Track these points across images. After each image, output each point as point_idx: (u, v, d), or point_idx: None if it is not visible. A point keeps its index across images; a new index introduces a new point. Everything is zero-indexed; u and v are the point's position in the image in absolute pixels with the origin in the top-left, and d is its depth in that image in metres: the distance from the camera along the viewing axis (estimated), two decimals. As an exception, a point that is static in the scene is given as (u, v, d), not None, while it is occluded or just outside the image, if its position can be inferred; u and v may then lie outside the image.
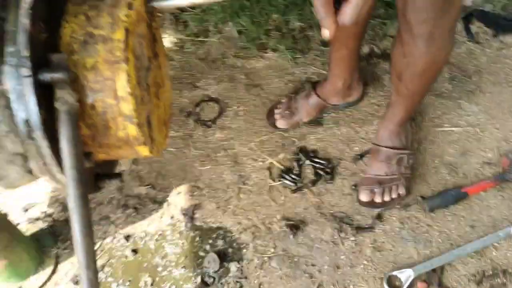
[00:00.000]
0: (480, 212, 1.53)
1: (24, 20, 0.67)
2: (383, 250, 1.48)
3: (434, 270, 1.41)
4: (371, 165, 1.61)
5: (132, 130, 0.77)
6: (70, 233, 1.52)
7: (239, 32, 2.08)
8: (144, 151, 0.82)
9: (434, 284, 1.39)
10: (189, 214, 1.60)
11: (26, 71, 0.67)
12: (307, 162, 1.68)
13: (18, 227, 1.52)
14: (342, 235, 1.52)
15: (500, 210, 1.53)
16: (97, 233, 1.58)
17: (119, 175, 0.89)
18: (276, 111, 1.79)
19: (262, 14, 2.11)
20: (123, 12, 0.75)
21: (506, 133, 1.69)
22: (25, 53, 0.67)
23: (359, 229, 1.52)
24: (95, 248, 1.52)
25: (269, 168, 1.69)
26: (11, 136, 0.76)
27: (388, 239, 1.50)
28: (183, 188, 1.67)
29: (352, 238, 1.51)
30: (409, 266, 1.42)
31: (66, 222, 1.61)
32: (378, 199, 1.54)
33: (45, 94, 0.71)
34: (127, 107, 0.74)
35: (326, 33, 0.77)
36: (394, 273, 1.40)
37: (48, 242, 1.58)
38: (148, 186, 1.67)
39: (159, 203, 1.63)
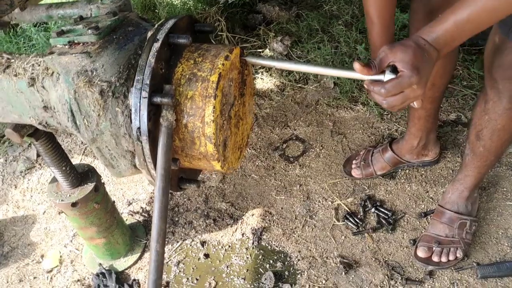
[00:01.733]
0: (534, 290, 1.55)
1: (151, 59, 0.97)
2: (426, 304, 1.56)
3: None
4: (433, 224, 1.70)
5: (210, 148, 1.02)
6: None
7: (335, 83, 2.30)
8: (217, 165, 1.06)
9: None
10: (258, 234, 1.81)
11: (145, 94, 0.96)
12: (373, 210, 1.81)
13: (121, 215, 1.85)
14: (392, 282, 1.62)
15: (557, 293, 1.53)
16: (181, 234, 1.85)
17: (197, 182, 1.15)
18: (353, 161, 1.96)
19: (359, 71, 2.30)
20: (220, 61, 1.01)
21: None
22: (147, 81, 0.96)
23: (409, 280, 1.61)
24: (177, 246, 1.81)
25: (336, 209, 1.85)
26: (126, 137, 1.06)
27: (434, 296, 1.58)
28: (257, 211, 1.89)
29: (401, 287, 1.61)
30: (449, 325, 1.48)
31: (157, 220, 1.92)
32: (435, 258, 1.63)
33: (153, 111, 0.99)
34: (210, 130, 1.00)
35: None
36: (431, 327, 1.47)
37: (141, 233, 1.89)
38: (228, 203, 1.93)
39: (235, 219, 1.87)
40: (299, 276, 1.68)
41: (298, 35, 2.58)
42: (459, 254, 1.63)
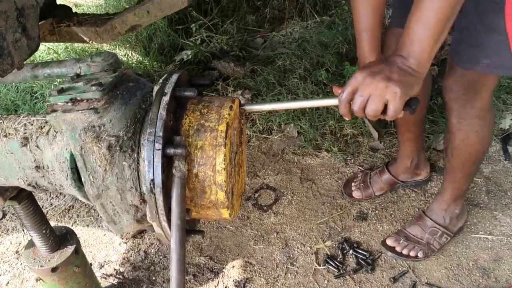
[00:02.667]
0: (510, 316, 1.64)
1: (162, 112, 0.99)
2: None
3: None
4: (410, 223, 1.88)
5: (221, 196, 1.03)
6: (138, 289, 1.76)
7: (299, 133, 2.40)
8: (225, 213, 1.08)
9: None
10: (241, 286, 1.79)
11: (158, 146, 0.97)
12: (351, 251, 1.86)
13: (96, 278, 1.77)
14: (378, 321, 1.65)
15: (530, 316, 1.63)
16: (160, 293, 1.80)
17: (201, 232, 1.14)
18: (353, 183, 2.09)
19: (320, 120, 2.43)
20: (226, 111, 1.05)
21: (538, 245, 1.83)
22: (160, 133, 0.97)
23: (394, 318, 1.66)
24: (157, 305, 1.74)
25: (315, 253, 1.88)
26: (132, 191, 1.06)
27: (421, 331, 1.62)
28: (237, 262, 1.88)
29: (387, 326, 1.64)
30: None
31: (134, 281, 1.85)
32: (397, 248, 1.83)
33: (166, 163, 1.00)
34: (221, 178, 1.02)
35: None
36: None
37: (117, 296, 1.81)
38: (207, 257, 1.90)
39: (215, 273, 1.85)
40: (287, 324, 1.67)
41: (256, 88, 2.69)
42: (420, 254, 1.80)
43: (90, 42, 2.24)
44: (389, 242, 1.85)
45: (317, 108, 2.47)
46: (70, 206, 2.19)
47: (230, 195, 1.07)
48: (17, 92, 2.83)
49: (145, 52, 3.14)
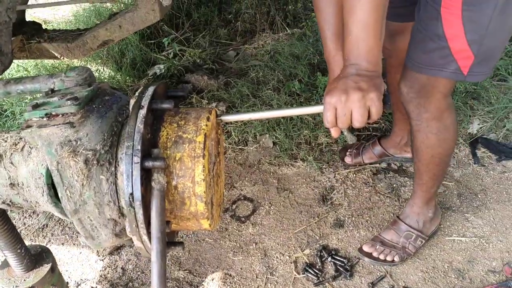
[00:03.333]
0: (486, 315, 1.68)
1: (140, 125, 0.99)
2: None
3: None
4: (386, 229, 1.92)
5: (200, 207, 1.04)
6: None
7: (274, 143, 2.42)
8: (205, 224, 1.08)
9: None
10: (221, 298, 1.79)
11: (137, 159, 0.97)
12: (329, 259, 1.88)
13: (73, 297, 1.74)
14: (359, 327, 1.67)
15: (504, 315, 1.68)
16: (139, 309, 1.77)
17: (181, 244, 1.14)
18: (348, 151, 2.25)
19: (294, 130, 2.46)
20: (203, 122, 1.06)
21: (508, 245, 1.88)
22: (138, 147, 0.97)
23: (374, 323, 1.68)
24: (137, 322, 1.72)
25: (294, 262, 1.89)
26: (111, 205, 1.05)
27: (401, 334, 1.65)
28: (217, 274, 1.87)
29: (368, 331, 1.66)
30: None
31: (112, 298, 1.82)
32: (374, 254, 1.86)
33: (144, 176, 1.00)
34: (200, 189, 1.02)
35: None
36: None
37: (95, 315, 1.77)
38: (186, 271, 1.89)
39: (195, 286, 1.84)
40: (269, 335, 1.67)
41: (231, 101, 2.70)
42: (396, 258, 1.83)
43: (61, 58, 2.22)
44: (366, 248, 1.88)
45: (292, 118, 2.50)
46: (44, 225, 2.15)
47: (209, 205, 1.07)
48: (-14, 110, 2.77)
49: (117, 67, 3.12)
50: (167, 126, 1.07)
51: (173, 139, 1.04)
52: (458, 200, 2.09)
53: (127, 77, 3.02)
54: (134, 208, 0.98)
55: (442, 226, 1.98)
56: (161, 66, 3.04)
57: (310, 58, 2.93)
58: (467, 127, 2.42)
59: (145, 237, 1.02)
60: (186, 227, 1.12)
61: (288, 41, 3.22)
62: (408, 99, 1.57)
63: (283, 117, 2.48)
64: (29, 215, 2.20)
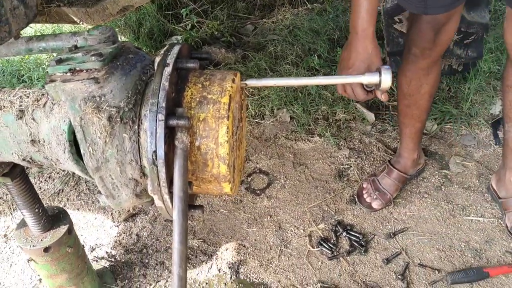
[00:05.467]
0: (502, 295, 1.67)
1: (165, 83, 0.97)
2: (409, 319, 1.62)
3: None
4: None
5: (223, 169, 1.02)
6: (129, 273, 1.75)
7: (291, 117, 2.40)
8: (227, 187, 1.07)
9: None
10: (235, 268, 1.79)
11: (161, 117, 0.95)
12: (344, 234, 1.87)
13: (88, 261, 1.74)
14: (372, 302, 1.67)
15: (520, 295, 1.66)
16: (153, 276, 1.78)
17: (201, 207, 1.13)
18: (365, 195, 1.98)
19: (312, 105, 2.42)
20: (228, 84, 1.04)
21: (528, 227, 1.85)
22: (163, 104, 0.95)
23: (388, 298, 1.67)
24: None
25: (309, 236, 1.89)
26: (132, 164, 1.04)
27: (414, 310, 1.64)
28: (231, 245, 1.87)
29: (381, 306, 1.65)
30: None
31: (127, 263, 1.83)
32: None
33: (168, 135, 0.98)
34: (223, 151, 1.00)
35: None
36: None
37: (109, 279, 1.78)
38: (200, 240, 1.89)
39: (209, 255, 1.84)
40: (282, 305, 1.68)
41: (248, 74, 2.67)
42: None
43: (81, 23, 2.19)
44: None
45: (310, 93, 2.47)
46: (59, 190, 2.16)
47: (232, 168, 1.06)
48: (3, 75, 2.76)
49: (135, 37, 3.10)
50: (192, 86, 1.04)
51: (198, 99, 1.02)
52: (477, 181, 2.05)
53: (144, 47, 3.00)
54: (157, 166, 0.97)
55: (460, 205, 1.95)
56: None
57: (330, 34, 2.88)
58: (489, 107, 2.37)
59: (166, 197, 1.01)
60: (207, 190, 1.11)
61: (308, 16, 3.16)
62: None
63: (308, 86, 2.42)
64: (45, 180, 2.21)
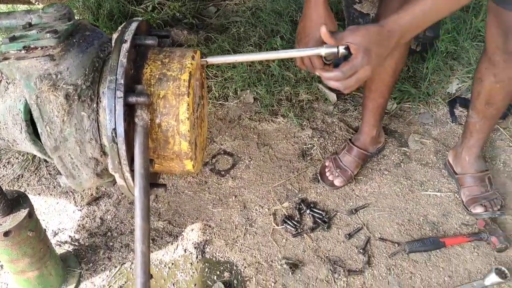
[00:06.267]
0: (457, 264, 1.74)
1: (123, 59, 0.96)
2: (370, 291, 1.68)
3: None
4: (469, 190, 1.91)
5: (184, 146, 1.03)
6: (93, 256, 1.74)
7: (255, 99, 2.41)
8: (188, 165, 1.07)
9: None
10: (201, 248, 1.80)
11: (120, 94, 0.94)
12: (308, 211, 1.91)
13: (50, 245, 1.72)
14: (336, 275, 1.71)
15: (475, 264, 1.74)
16: (118, 258, 1.77)
17: (164, 186, 1.13)
18: (327, 174, 2.01)
19: (275, 86, 2.44)
20: (188, 61, 1.04)
21: (481, 200, 1.94)
22: (121, 81, 0.95)
23: (351, 271, 1.72)
24: (116, 271, 1.72)
25: (273, 214, 1.91)
26: (92, 142, 1.03)
27: (376, 282, 1.69)
28: (196, 225, 1.88)
29: (344, 279, 1.70)
30: (393, 306, 1.61)
31: (91, 247, 1.81)
32: (480, 210, 1.85)
33: (127, 112, 0.98)
34: (184, 128, 1.01)
35: None
36: (379, 309, 1.59)
37: (73, 263, 1.77)
38: (165, 221, 1.89)
39: (174, 236, 1.84)
40: (248, 282, 1.70)
41: (211, 56, 2.65)
42: (499, 205, 1.86)
43: (36, 3, 2.13)
44: (479, 209, 1.85)
45: (273, 74, 2.48)
46: (19, 175, 2.10)
47: (193, 146, 1.06)
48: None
49: (94, 19, 3.02)
50: (151, 64, 1.04)
51: (157, 76, 1.02)
52: (435, 157, 2.12)
53: (104, 29, 2.92)
54: (117, 144, 0.96)
55: (419, 181, 2.02)
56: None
57: (292, 15, 2.89)
58: (446, 86, 2.44)
59: (127, 175, 1.01)
60: (170, 168, 1.11)
61: (270, -3, 3.16)
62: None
63: (271, 65, 2.42)
64: (4, 165, 2.15)
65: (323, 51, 1.18)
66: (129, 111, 0.98)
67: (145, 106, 0.98)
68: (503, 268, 1.67)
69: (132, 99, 0.96)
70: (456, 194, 1.96)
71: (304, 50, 1.25)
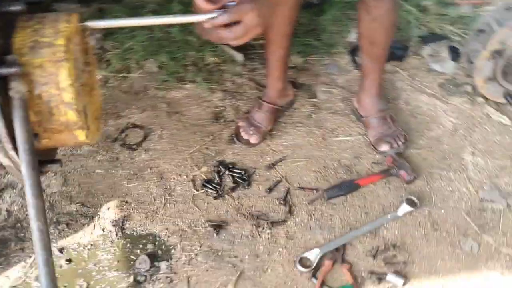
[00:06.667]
0: (372, 201, 1.83)
1: (-15, 27, 0.87)
2: (294, 238, 1.72)
3: (337, 249, 1.66)
4: (375, 130, 1.99)
5: (71, 115, 0.96)
6: (5, 250, 1.63)
7: (159, 67, 2.33)
8: (81, 135, 1.01)
9: (338, 260, 1.64)
10: (119, 225, 1.75)
11: (-13, 66, 0.85)
12: (227, 172, 1.90)
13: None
14: (260, 229, 1.74)
15: (388, 198, 1.84)
16: (31, 248, 1.67)
17: (59, 161, 1.06)
18: (242, 134, 2.00)
19: (179, 52, 2.37)
20: (63, 25, 0.96)
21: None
22: (-14, 51, 0.86)
23: (274, 223, 1.75)
24: (31, 261, 1.63)
25: (192, 181, 1.89)
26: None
27: (299, 229, 1.74)
28: (112, 203, 1.82)
29: (268, 231, 1.73)
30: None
31: (1, 241, 1.70)
32: (386, 148, 1.94)
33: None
34: (68, 96, 0.94)
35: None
36: (305, 254, 1.64)
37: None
38: (78, 204, 1.81)
39: (90, 217, 1.77)
40: (173, 250, 1.68)
41: (108, 29, 2.51)
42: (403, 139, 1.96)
43: None
44: (384, 147, 1.94)
45: (175, 41, 2.41)
46: None
47: (82, 114, 1.00)
48: None
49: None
50: (20, 32, 0.95)
51: (29, 44, 0.93)
52: (342, 104, 2.19)
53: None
54: (-8, 122, 0.88)
55: (330, 129, 2.08)
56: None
57: (189, -22, 2.80)
58: (346, 36, 2.50)
59: (12, 153, 0.93)
60: (62, 142, 1.04)
61: (165, -38, 3.03)
62: None
63: (162, 25, 2.30)
64: None
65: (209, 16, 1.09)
66: (4, 85, 0.89)
67: (19, 77, 0.89)
68: (412, 198, 1.78)
69: (3, 71, 0.87)
70: (364, 136, 2.05)
71: (196, 16, 1.15)
